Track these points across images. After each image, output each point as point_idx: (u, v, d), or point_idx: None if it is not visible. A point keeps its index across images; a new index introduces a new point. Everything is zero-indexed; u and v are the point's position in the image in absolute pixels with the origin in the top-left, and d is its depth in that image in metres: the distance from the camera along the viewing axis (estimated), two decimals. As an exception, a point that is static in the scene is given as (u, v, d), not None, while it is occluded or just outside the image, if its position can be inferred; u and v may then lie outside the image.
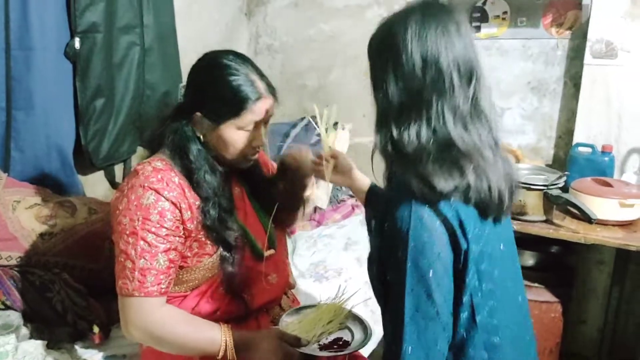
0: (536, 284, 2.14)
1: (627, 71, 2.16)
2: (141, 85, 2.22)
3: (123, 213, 1.21)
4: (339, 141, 2.65)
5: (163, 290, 1.21)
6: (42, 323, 1.55)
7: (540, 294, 2.13)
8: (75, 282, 1.59)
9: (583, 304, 2.40)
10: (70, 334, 1.56)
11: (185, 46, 2.43)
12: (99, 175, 2.27)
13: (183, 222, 1.23)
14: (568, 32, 2.30)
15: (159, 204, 1.20)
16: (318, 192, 2.57)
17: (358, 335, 1.37)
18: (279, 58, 2.94)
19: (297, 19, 2.89)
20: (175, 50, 2.39)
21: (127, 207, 1.20)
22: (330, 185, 2.60)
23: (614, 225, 1.93)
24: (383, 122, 1.08)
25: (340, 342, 1.33)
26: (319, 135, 2.64)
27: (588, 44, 2.19)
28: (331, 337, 1.35)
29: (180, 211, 1.23)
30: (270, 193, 1.46)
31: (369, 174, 1.33)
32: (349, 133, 2.75)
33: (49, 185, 1.90)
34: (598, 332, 2.36)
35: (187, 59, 2.42)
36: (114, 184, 2.31)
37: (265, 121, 1.30)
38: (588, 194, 1.95)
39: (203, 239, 1.26)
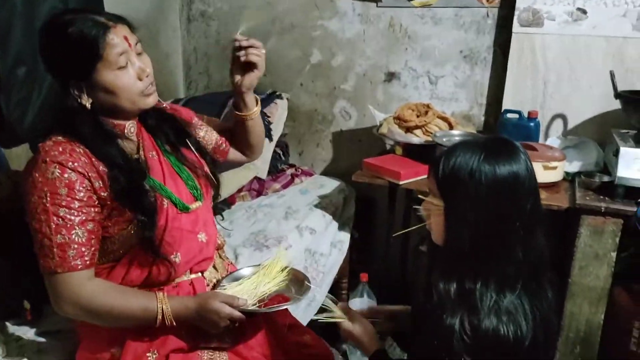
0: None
1: (552, 39, 2.25)
2: (67, 53, 2.12)
3: (31, 191, 1.17)
4: (280, 116, 2.64)
5: (88, 262, 1.19)
6: (-32, 302, 1.49)
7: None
8: (3, 259, 1.53)
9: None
10: (0, 312, 1.51)
11: (112, 12, 2.32)
12: (24, 148, 2.16)
13: (95, 192, 1.20)
14: (497, 1, 2.36)
15: (65, 176, 1.16)
16: (257, 162, 2.56)
17: (297, 290, 1.40)
18: (214, 25, 2.87)
19: (232, -16, 2.82)
20: (103, 16, 2.29)
21: (33, 185, 1.16)
22: (269, 154, 2.60)
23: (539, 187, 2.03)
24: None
25: (281, 299, 1.37)
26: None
27: (516, 12, 2.26)
28: (272, 295, 1.38)
29: (90, 180, 1.19)
30: (186, 143, 1.43)
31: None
32: (287, 102, 2.74)
33: (-31, 158, 1.80)
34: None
35: (116, 25, 2.34)
36: (41, 157, 2.21)
37: (139, 52, 1.25)
38: (515, 158, 2.04)
39: (120, 206, 1.23)
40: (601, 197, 1.86)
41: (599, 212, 1.81)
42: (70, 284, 1.18)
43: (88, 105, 1.22)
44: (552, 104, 2.32)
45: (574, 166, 2.10)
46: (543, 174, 2.01)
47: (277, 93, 2.73)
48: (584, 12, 2.19)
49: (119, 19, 1.23)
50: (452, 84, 2.54)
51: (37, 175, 1.16)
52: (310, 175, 2.73)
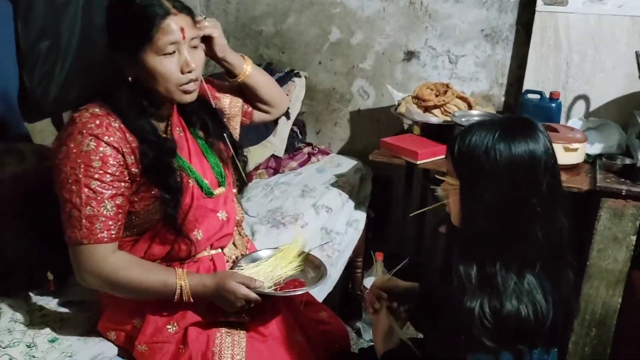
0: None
1: (577, 18, 2.21)
2: (88, 28, 2.12)
3: (63, 162, 1.18)
4: (297, 95, 2.64)
5: (113, 236, 1.22)
6: (-6, 272, 1.53)
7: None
8: (28, 230, 1.56)
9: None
10: (24, 283, 1.55)
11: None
12: (47, 123, 2.19)
13: (127, 167, 1.22)
14: (521, -21, 2.32)
15: (100, 150, 1.18)
16: (274, 140, 2.56)
17: (313, 274, 1.41)
18: (234, 2, 2.86)
19: (252, -39, 2.80)
20: (124, -8, 2.28)
21: (67, 156, 1.18)
22: (286, 133, 2.60)
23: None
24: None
25: (297, 283, 1.38)
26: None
27: (540, -10, 2.22)
28: (288, 279, 1.39)
29: (124, 155, 1.21)
30: (218, 128, 1.43)
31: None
32: (305, 80, 2.73)
33: (-6, 132, 1.83)
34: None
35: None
36: (63, 132, 2.24)
37: (194, 45, 1.25)
38: (535, 139, 2.01)
39: (148, 182, 1.25)
40: (622, 179, 1.84)
41: (620, 195, 1.79)
42: (94, 255, 1.20)
43: (129, 79, 1.23)
44: (575, 84, 2.28)
45: (595, 148, 2.07)
46: (564, 156, 1.99)
47: (295, 71, 2.73)
48: (610, -10, 2.14)
49: (185, 9, 1.23)
50: (473, 63, 2.50)
51: (72, 145, 1.18)
52: (327, 154, 2.73)
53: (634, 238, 1.82)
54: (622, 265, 1.85)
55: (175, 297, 1.26)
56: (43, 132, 2.17)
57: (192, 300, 1.27)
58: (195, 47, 1.26)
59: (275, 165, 2.53)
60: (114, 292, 1.28)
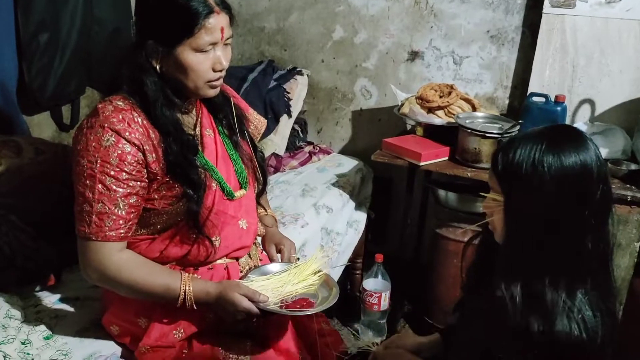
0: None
1: (584, 21, 2.19)
2: (88, 20, 2.10)
3: (81, 154, 1.16)
4: (299, 93, 2.61)
5: (122, 235, 1.19)
6: (-12, 266, 1.50)
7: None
8: (23, 224, 1.53)
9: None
10: (18, 277, 1.52)
11: (136, -20, 2.30)
12: (46, 116, 2.16)
13: (147, 165, 1.19)
14: (528, -20, 2.30)
15: (119, 146, 1.15)
16: (275, 139, 2.54)
17: (324, 295, 1.35)
18: (236, -2, 2.83)
19: (255, -43, 2.77)
20: (126, -15, 2.26)
21: (85, 148, 1.15)
22: (288, 131, 2.58)
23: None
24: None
25: (305, 303, 1.32)
26: (276, 80, 2.60)
27: (547, -8, 2.20)
28: (297, 297, 1.33)
29: (144, 153, 1.18)
30: (244, 133, 1.42)
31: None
32: (307, 78, 2.71)
33: (-9, 124, 1.81)
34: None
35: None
36: (61, 126, 2.21)
37: (226, 43, 1.24)
38: (540, 143, 1.99)
39: (170, 181, 1.23)
40: (627, 185, 1.83)
41: (625, 201, 1.77)
42: (100, 252, 1.18)
43: (157, 68, 1.20)
44: (580, 88, 2.26)
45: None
46: (568, 160, 1.97)
47: (298, 69, 2.70)
48: (618, -6, 2.12)
49: (226, 8, 1.21)
50: (477, 65, 2.48)
51: (91, 138, 1.15)
52: (328, 153, 2.70)
53: (638, 245, 1.80)
54: (625, 273, 1.84)
55: (179, 302, 1.23)
56: (41, 125, 2.14)
57: (194, 306, 1.24)
58: (227, 44, 1.24)
59: (275, 164, 2.51)
60: (115, 290, 1.26)
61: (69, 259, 1.65)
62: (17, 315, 1.40)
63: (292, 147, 2.62)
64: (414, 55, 2.58)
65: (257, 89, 2.52)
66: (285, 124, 2.56)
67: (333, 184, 2.34)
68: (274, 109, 2.53)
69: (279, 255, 1.46)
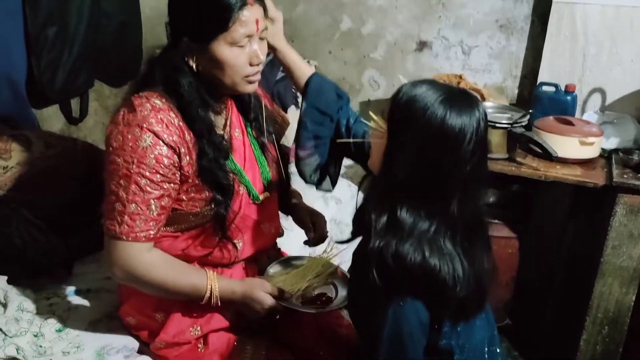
0: (496, 221, 2.21)
1: (595, 10, 2.16)
2: (96, 14, 2.10)
3: (117, 152, 1.14)
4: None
5: (152, 236, 1.18)
6: (0, 259, 1.51)
7: (500, 230, 2.20)
8: (34, 218, 1.55)
9: (539, 238, 2.49)
10: (30, 270, 1.53)
11: (143, -27, 2.29)
12: (55, 109, 2.17)
13: (181, 168, 1.18)
14: (538, -31, 2.27)
15: (156, 148, 1.14)
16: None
17: (342, 292, 1.35)
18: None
19: (262, -53, 2.75)
20: (133, -22, 2.26)
21: (121, 147, 1.14)
22: (295, 122, 2.56)
23: (573, 163, 1.98)
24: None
25: (324, 298, 1.33)
26: (283, 71, 2.59)
27: (557, -19, 2.17)
28: (315, 292, 1.34)
29: (179, 156, 1.17)
30: (271, 135, 1.41)
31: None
32: (315, 69, 2.69)
33: (1, 118, 1.81)
34: (552, 266, 2.47)
35: (146, -13, 2.31)
36: (70, 119, 2.22)
37: (261, 37, 1.21)
38: (550, 132, 1.98)
39: (200, 183, 1.22)
40: (639, 175, 1.80)
41: (637, 191, 1.76)
42: (129, 253, 1.17)
43: (194, 66, 1.19)
44: (591, 77, 2.24)
45: (611, 143, 2.04)
46: (579, 150, 1.96)
47: (305, 60, 2.68)
48: (630, -19, 2.09)
49: (259, 0, 1.19)
50: (486, 54, 2.46)
51: (129, 137, 1.13)
52: (337, 145, 2.69)
53: (650, 235, 1.79)
54: (636, 263, 1.82)
55: (204, 299, 1.23)
56: (51, 118, 2.15)
57: (219, 304, 1.24)
58: (262, 38, 1.22)
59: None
60: (142, 290, 1.24)
61: (79, 252, 1.67)
62: (30, 308, 1.41)
63: (300, 139, 2.62)
64: (422, 45, 2.56)
65: (264, 80, 2.51)
66: (294, 115, 2.55)
67: (341, 175, 2.33)
68: (281, 100, 2.53)
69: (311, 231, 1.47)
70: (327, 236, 1.48)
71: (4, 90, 1.83)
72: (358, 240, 1.14)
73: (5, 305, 1.40)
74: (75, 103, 2.23)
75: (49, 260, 1.53)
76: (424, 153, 1.00)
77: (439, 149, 0.99)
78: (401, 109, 1.02)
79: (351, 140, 1.34)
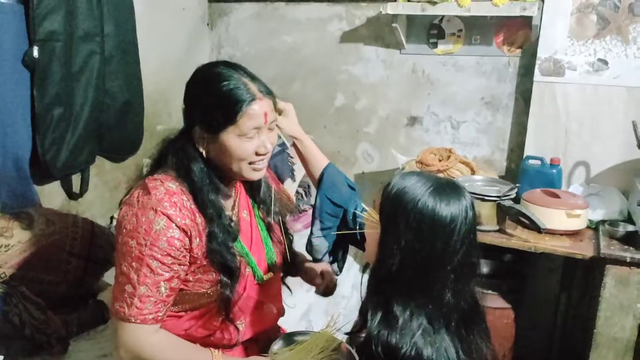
0: (490, 291, 2.22)
1: (574, 88, 2.28)
2: (101, 94, 2.20)
3: (130, 234, 1.16)
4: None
5: (159, 317, 1.19)
6: (-2, 337, 1.52)
7: (494, 300, 2.21)
8: (33, 295, 1.56)
9: (534, 309, 2.50)
10: (27, 348, 1.53)
11: (146, 55, 2.41)
12: (56, 185, 2.22)
13: (191, 250, 1.20)
14: (519, 51, 2.41)
15: (169, 232, 1.16)
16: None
17: None
18: (241, 68, 2.96)
19: (260, 30, 2.92)
20: (136, 60, 2.37)
21: (135, 229, 1.16)
22: (292, 195, 2.63)
23: (561, 234, 2.03)
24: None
25: None
26: (280, 145, 2.68)
27: (537, 62, 2.30)
28: None
29: (190, 239, 1.19)
30: (278, 217, 1.43)
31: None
32: (310, 144, 2.78)
33: (4, 195, 1.86)
34: (548, 337, 2.47)
35: (148, 68, 2.43)
36: (71, 195, 2.27)
37: (270, 127, 1.25)
38: (537, 205, 2.04)
39: (208, 265, 1.23)
40: (626, 246, 1.85)
41: (624, 262, 1.79)
42: (137, 335, 1.17)
43: (204, 153, 1.23)
44: (574, 151, 2.33)
45: (597, 214, 2.09)
46: (566, 222, 2.01)
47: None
48: (605, 62, 2.22)
49: (269, 93, 1.23)
50: (474, 129, 2.56)
51: (143, 220, 1.16)
52: (332, 216, 2.74)
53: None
54: (629, 334, 1.83)
55: None
56: (52, 193, 2.20)
57: None
58: (271, 129, 1.26)
59: (279, 228, 2.54)
60: None
61: (76, 329, 1.67)
62: (25, 387, 1.41)
63: (296, 211, 2.66)
64: (413, 120, 2.67)
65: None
66: (290, 188, 2.62)
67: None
68: (278, 173, 2.59)
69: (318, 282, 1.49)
70: (335, 283, 1.47)
71: (8, 169, 1.89)
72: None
73: (1, 384, 1.39)
74: (76, 178, 2.28)
75: (45, 337, 1.53)
76: (417, 243, 1.03)
77: (431, 238, 1.02)
78: (392, 201, 1.06)
79: (349, 231, 1.40)
